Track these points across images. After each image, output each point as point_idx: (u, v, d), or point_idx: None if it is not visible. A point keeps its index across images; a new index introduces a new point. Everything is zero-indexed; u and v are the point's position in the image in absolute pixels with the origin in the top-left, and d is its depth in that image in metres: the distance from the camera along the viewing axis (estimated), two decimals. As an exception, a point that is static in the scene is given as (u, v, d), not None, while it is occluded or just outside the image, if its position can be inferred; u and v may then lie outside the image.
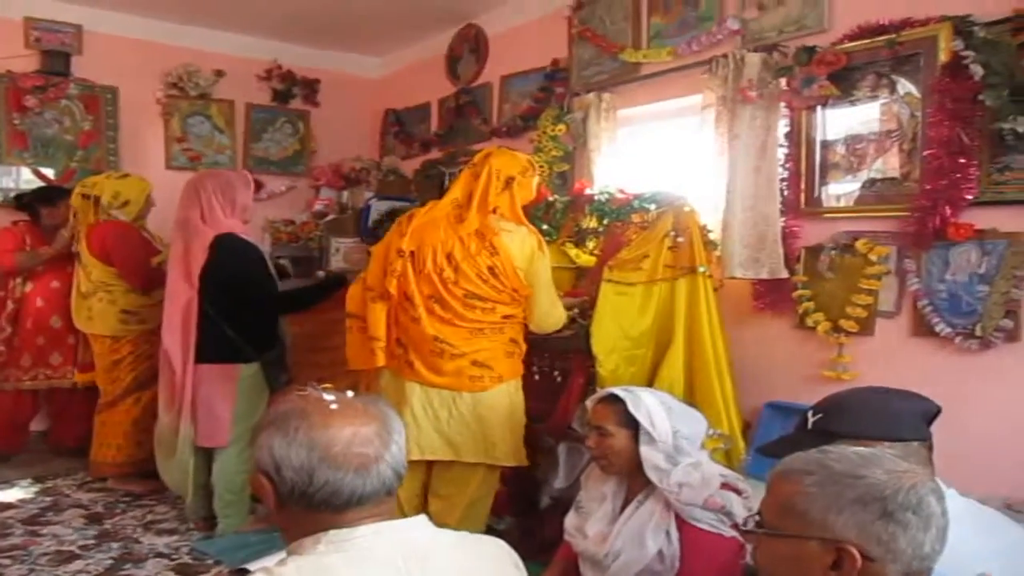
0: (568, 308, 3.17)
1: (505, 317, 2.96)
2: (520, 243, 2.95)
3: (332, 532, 1.25)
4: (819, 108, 3.22)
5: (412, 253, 2.96)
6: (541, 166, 4.34)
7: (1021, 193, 2.64)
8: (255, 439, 1.35)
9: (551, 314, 3.05)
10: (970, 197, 2.73)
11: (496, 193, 2.99)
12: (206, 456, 3.59)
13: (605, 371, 3.00)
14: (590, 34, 4.34)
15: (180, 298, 3.49)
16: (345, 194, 5.85)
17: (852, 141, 3.15)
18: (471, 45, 5.42)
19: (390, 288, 2.95)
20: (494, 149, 3.16)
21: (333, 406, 1.31)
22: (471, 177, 3.04)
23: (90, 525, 3.76)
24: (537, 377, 3.28)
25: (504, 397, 2.98)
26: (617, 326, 3.09)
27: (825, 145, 3.22)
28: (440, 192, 5.33)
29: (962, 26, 2.77)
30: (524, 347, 3.07)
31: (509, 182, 3.00)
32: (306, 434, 1.26)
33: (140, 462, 4.15)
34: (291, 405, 1.32)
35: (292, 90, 6.15)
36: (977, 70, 2.68)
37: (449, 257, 2.92)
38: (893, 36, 2.96)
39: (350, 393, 1.38)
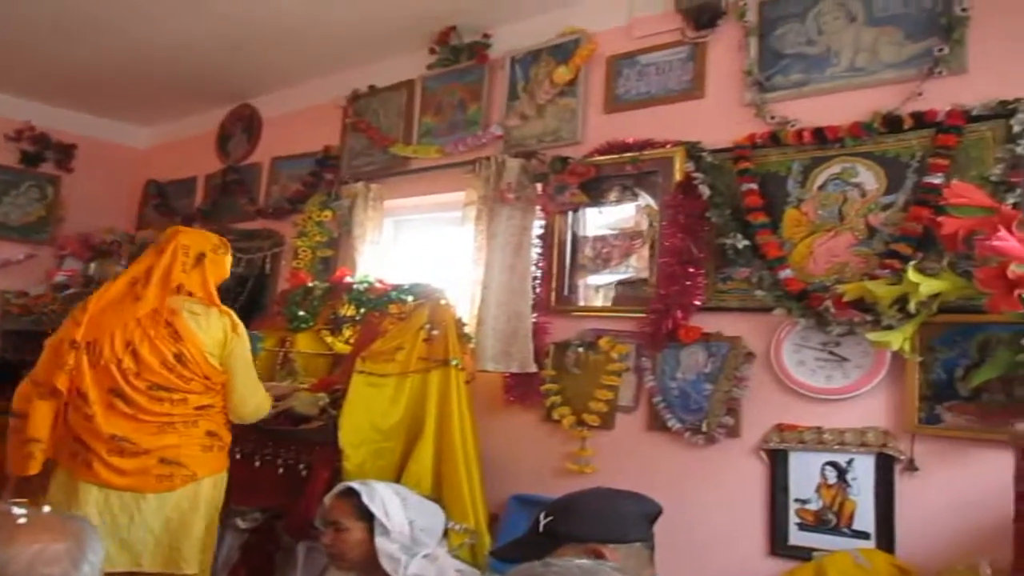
0: (313, 400, 2.96)
1: (199, 408, 2.65)
2: (209, 326, 2.69)
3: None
4: (570, 213, 3.31)
5: (88, 344, 2.59)
6: (304, 251, 4.17)
7: (740, 301, 2.82)
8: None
9: (248, 402, 2.79)
10: (698, 303, 2.88)
11: (183, 270, 2.73)
12: None
13: (351, 465, 2.80)
14: (364, 125, 4.29)
15: None
16: (92, 266, 5.27)
17: (599, 246, 3.26)
18: (244, 124, 5.18)
19: (58, 384, 2.56)
20: (181, 228, 2.92)
21: (20, 520, 1.13)
22: (154, 254, 2.76)
23: None
24: (282, 471, 3.01)
25: (195, 497, 2.64)
26: (367, 418, 2.93)
27: (575, 248, 3.31)
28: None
29: (693, 151, 2.97)
30: (228, 439, 2.77)
31: (200, 258, 2.75)
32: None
33: None
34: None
35: (44, 153, 5.56)
36: (705, 190, 2.87)
37: (128, 345, 2.59)
38: (636, 154, 3.13)
39: (47, 508, 1.22)
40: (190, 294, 2.71)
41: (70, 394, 2.57)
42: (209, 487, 2.69)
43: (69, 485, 2.58)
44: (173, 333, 2.61)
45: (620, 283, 3.18)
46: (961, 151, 2.43)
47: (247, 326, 3.84)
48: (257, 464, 3.05)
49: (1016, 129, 2.31)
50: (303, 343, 3.69)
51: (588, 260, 3.27)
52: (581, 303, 3.26)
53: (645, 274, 3.09)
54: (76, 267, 5.30)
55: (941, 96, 2.50)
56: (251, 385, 2.81)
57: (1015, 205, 2.26)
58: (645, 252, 3.12)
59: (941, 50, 2.52)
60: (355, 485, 2.22)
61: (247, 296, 4.58)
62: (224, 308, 2.80)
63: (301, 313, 3.56)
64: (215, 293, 2.78)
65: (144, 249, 5.10)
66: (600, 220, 3.28)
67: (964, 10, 2.50)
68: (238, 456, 2.96)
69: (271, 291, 4.49)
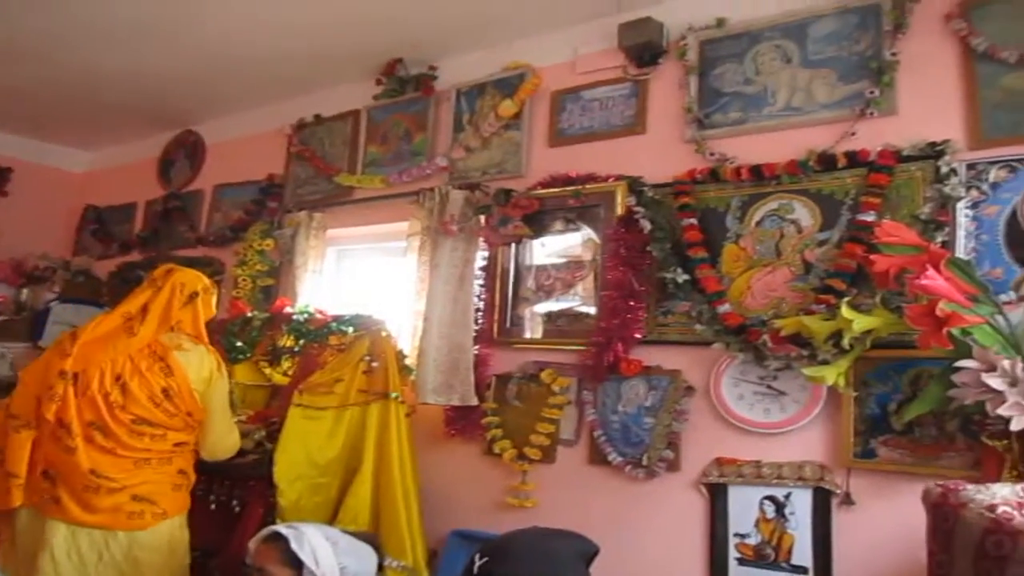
0: (249, 432, 2.86)
1: (177, 445, 2.56)
2: (199, 362, 2.62)
3: None
4: (514, 245, 3.27)
5: (76, 375, 2.49)
6: (244, 280, 4.05)
7: (680, 335, 2.80)
8: None
9: (225, 440, 2.72)
10: (639, 336, 2.86)
11: (179, 307, 2.67)
12: None
13: (286, 501, 2.71)
14: (308, 154, 4.21)
15: None
16: (25, 292, 5.05)
17: (542, 277, 3.22)
18: (188, 151, 5.06)
19: (48, 415, 2.44)
20: (174, 266, 2.84)
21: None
22: (151, 291, 2.69)
23: None
24: (214, 506, 2.89)
25: (165, 536, 2.53)
26: (304, 453, 2.84)
27: (518, 280, 3.27)
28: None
29: (635, 185, 2.97)
30: (193, 478, 2.67)
31: (193, 297, 2.71)
32: None
33: None
34: None
35: (-24, 177, 5.34)
36: (646, 224, 2.86)
37: (118, 378, 2.50)
38: (579, 187, 3.12)
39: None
40: (183, 330, 2.65)
41: (53, 425, 2.44)
42: (178, 525, 2.58)
43: (35, 523, 2.45)
44: (165, 368, 2.54)
45: (563, 315, 3.15)
46: (892, 190, 2.46)
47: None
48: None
49: (943, 170, 2.35)
50: (241, 374, 3.56)
51: (531, 292, 3.23)
52: (524, 335, 3.21)
53: (589, 305, 3.06)
54: (7, 293, 5.07)
55: (873, 136, 2.54)
56: (228, 424, 2.74)
57: (943, 244, 2.30)
58: (589, 284, 3.09)
59: (872, 92, 2.57)
60: (282, 530, 2.11)
61: (185, 325, 4.42)
62: (211, 347, 2.73)
63: (239, 344, 3.44)
64: (204, 331, 2.73)
65: (80, 276, 4.97)
66: (543, 252, 3.25)
67: (894, 55, 2.55)
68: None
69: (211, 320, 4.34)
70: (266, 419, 3.20)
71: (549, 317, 3.19)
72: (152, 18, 3.52)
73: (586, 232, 3.13)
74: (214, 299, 2.86)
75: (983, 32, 2.41)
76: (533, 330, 3.21)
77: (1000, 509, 1.54)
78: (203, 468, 2.75)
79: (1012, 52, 2.35)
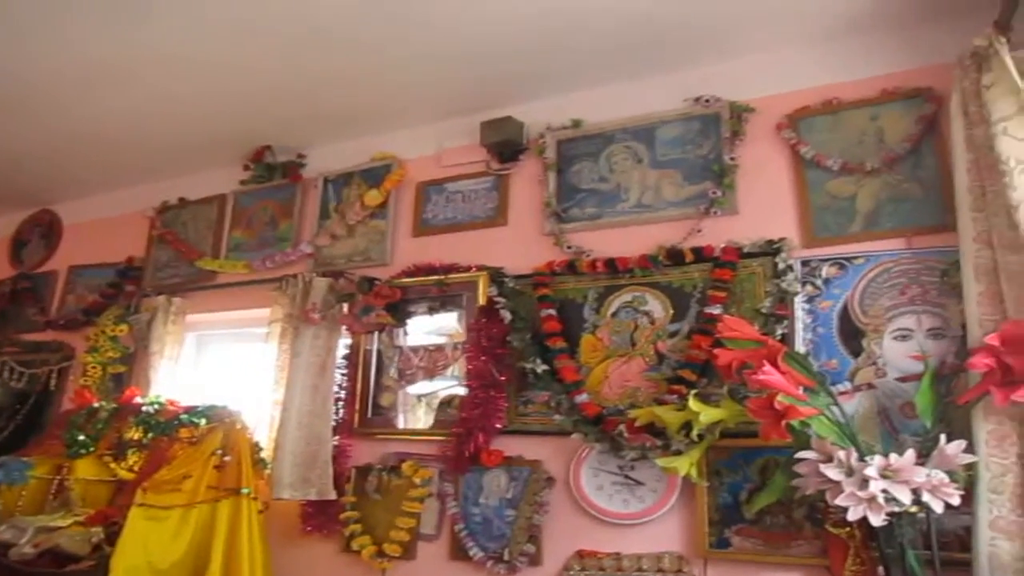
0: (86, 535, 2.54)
1: None
2: None
3: None
4: (376, 334, 3.13)
5: None
6: (93, 367, 3.70)
7: (540, 425, 2.71)
8: None
9: None
10: (500, 426, 2.75)
11: None
12: None
13: (123, 612, 2.39)
14: (171, 237, 3.97)
15: None
16: None
17: (405, 367, 3.08)
18: (43, 230, 4.67)
19: None
20: None
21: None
22: None
23: None
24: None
25: None
26: (144, 557, 2.56)
27: (380, 368, 3.11)
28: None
29: (496, 276, 2.91)
30: None
31: None
32: None
33: None
34: None
35: None
36: (507, 314, 2.80)
37: None
38: (442, 277, 3.04)
39: None
40: None
41: None
42: None
43: None
44: None
45: (425, 404, 3.00)
46: (736, 284, 2.50)
47: (21, 449, 3.34)
48: (7, 616, 2.56)
49: (780, 266, 2.41)
50: (84, 469, 3.20)
51: (393, 381, 3.08)
52: (388, 425, 3.04)
53: (448, 392, 2.94)
54: None
55: (717, 233, 2.60)
56: None
57: (783, 336, 2.33)
58: (451, 373, 2.98)
59: (715, 193, 2.63)
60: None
61: (25, 415, 4.00)
62: None
63: (81, 437, 3.11)
64: None
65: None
66: (406, 340, 3.12)
67: (733, 159, 2.64)
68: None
69: (55, 409, 3.94)
70: (106, 519, 2.86)
71: (413, 407, 3.04)
72: (4, 96, 3.24)
73: (449, 321, 3.03)
74: None
75: (810, 141, 2.53)
76: (394, 420, 3.04)
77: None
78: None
79: (835, 160, 2.47)
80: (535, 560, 2.59)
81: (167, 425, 2.95)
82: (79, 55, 2.88)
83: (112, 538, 2.67)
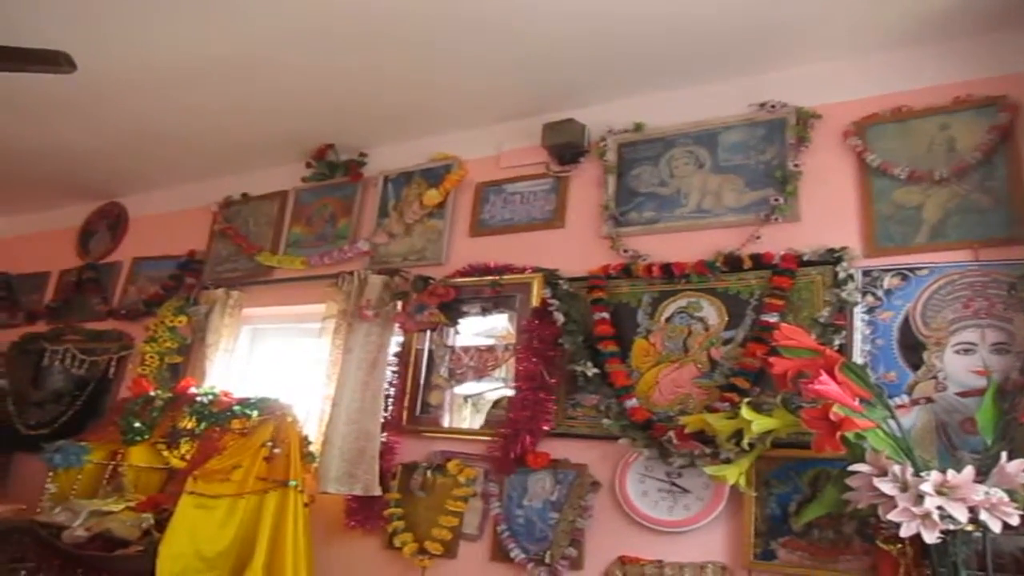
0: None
1: None
2: None
3: None
4: (428, 332, 3.22)
5: None
6: (151, 357, 3.88)
7: (587, 428, 2.76)
8: None
9: None
10: (547, 428, 2.80)
11: None
12: None
13: (168, 599, 2.50)
14: (232, 232, 4.14)
15: None
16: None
17: (455, 366, 3.16)
18: (110, 222, 4.92)
19: None
20: None
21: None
22: None
23: None
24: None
25: None
26: (192, 545, 2.66)
27: (431, 366, 3.20)
28: (36, 371, 4.56)
29: (551, 278, 2.97)
30: None
31: None
32: None
33: None
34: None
35: None
36: (560, 317, 2.85)
37: None
38: (496, 277, 3.11)
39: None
40: None
41: None
42: None
43: None
44: None
45: (471, 405, 3.08)
46: (795, 292, 2.51)
47: (79, 434, 3.51)
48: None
49: (841, 275, 2.42)
50: (137, 456, 3.37)
51: (443, 379, 3.16)
52: (436, 423, 3.12)
53: (498, 397, 3.00)
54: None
55: (777, 241, 2.61)
56: None
57: (841, 347, 2.33)
58: (502, 373, 3.04)
59: (777, 199, 2.65)
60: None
61: (85, 401, 4.21)
62: None
63: (137, 424, 3.26)
64: None
65: None
66: (458, 340, 3.20)
67: (796, 166, 2.66)
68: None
69: (113, 396, 4.14)
70: (157, 506, 2.99)
71: (461, 406, 3.11)
72: (69, 95, 3.45)
73: (501, 322, 3.11)
74: None
75: (876, 149, 2.53)
76: (444, 419, 3.12)
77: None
78: (78, 560, 2.53)
79: (903, 168, 2.46)
80: (576, 564, 2.62)
81: (220, 416, 3.06)
82: (155, 58, 3.08)
83: (161, 525, 2.78)
